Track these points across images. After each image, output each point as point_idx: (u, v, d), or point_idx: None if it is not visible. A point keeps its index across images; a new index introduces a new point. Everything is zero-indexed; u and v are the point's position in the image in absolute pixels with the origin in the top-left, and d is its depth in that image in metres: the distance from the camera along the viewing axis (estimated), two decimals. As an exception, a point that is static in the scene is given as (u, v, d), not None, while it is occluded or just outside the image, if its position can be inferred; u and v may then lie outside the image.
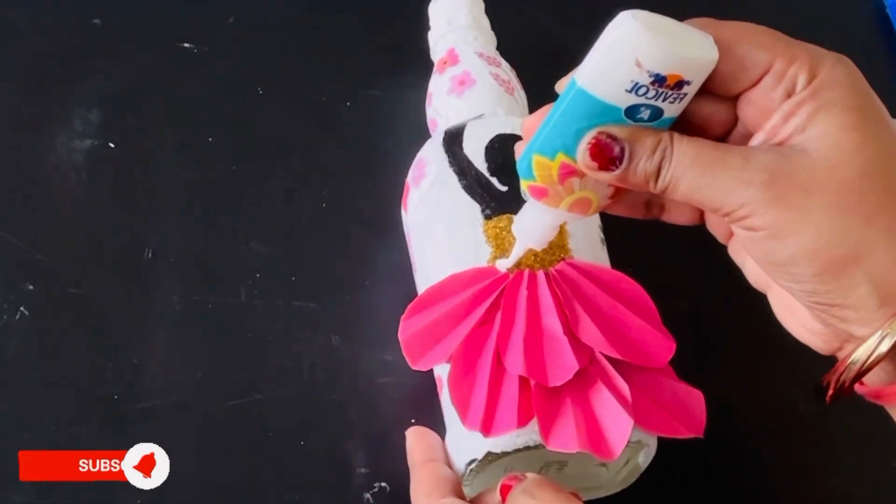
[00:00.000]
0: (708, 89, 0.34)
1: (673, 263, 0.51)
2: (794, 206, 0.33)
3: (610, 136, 0.34)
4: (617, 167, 0.34)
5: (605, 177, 0.34)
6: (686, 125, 0.35)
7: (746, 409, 0.48)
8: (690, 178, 0.34)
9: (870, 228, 0.32)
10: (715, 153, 0.34)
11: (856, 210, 0.32)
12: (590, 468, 0.42)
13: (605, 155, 0.34)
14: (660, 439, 0.41)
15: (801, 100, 0.33)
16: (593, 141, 0.34)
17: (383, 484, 0.45)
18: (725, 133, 0.36)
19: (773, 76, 0.34)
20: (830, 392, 0.35)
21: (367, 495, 0.45)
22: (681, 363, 0.42)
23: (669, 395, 0.41)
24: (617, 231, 0.46)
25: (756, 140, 0.34)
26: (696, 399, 0.41)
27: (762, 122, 0.34)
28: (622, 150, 0.34)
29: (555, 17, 0.60)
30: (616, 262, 0.45)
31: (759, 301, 0.46)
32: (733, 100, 0.35)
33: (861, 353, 0.33)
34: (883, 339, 0.33)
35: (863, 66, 0.61)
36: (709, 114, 0.36)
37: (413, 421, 0.46)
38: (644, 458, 0.42)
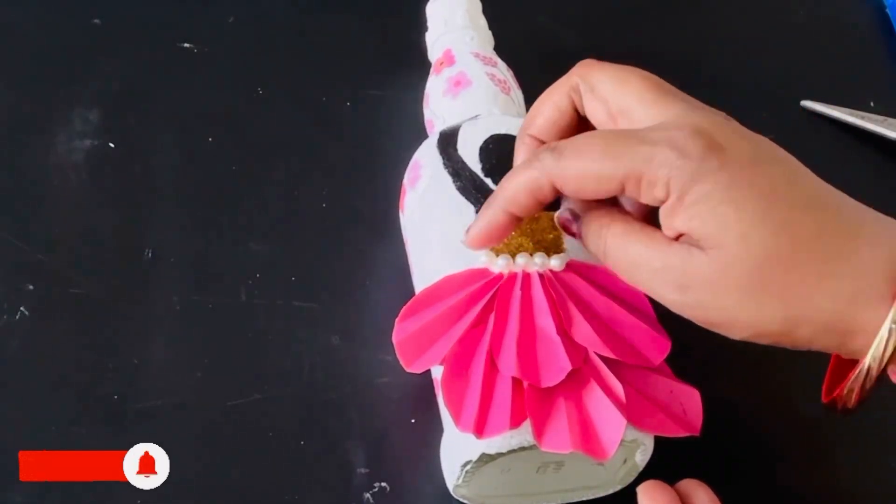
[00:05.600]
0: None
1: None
2: (713, 307, 0.34)
3: (572, 212, 0.38)
4: (578, 239, 0.38)
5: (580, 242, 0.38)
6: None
7: (745, 408, 0.48)
8: (622, 270, 0.36)
9: (790, 305, 0.33)
10: (639, 251, 0.35)
11: (766, 298, 0.33)
12: (587, 467, 0.42)
13: (567, 230, 0.39)
14: (658, 438, 0.41)
15: (671, 208, 0.34)
16: (560, 218, 0.39)
17: (383, 484, 0.45)
18: None
19: (633, 194, 0.35)
20: (855, 400, 0.35)
21: (367, 495, 0.45)
22: (679, 362, 0.42)
23: (665, 393, 0.41)
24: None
25: (665, 234, 0.35)
26: (692, 397, 0.41)
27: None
28: (579, 228, 0.38)
29: (552, 17, 0.61)
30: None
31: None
32: None
33: (874, 355, 0.33)
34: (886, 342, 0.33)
35: (863, 66, 0.61)
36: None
37: (413, 421, 0.46)
38: (641, 457, 0.41)
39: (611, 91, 0.37)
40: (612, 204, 0.38)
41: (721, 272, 0.33)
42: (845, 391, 0.35)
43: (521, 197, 0.37)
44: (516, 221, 0.38)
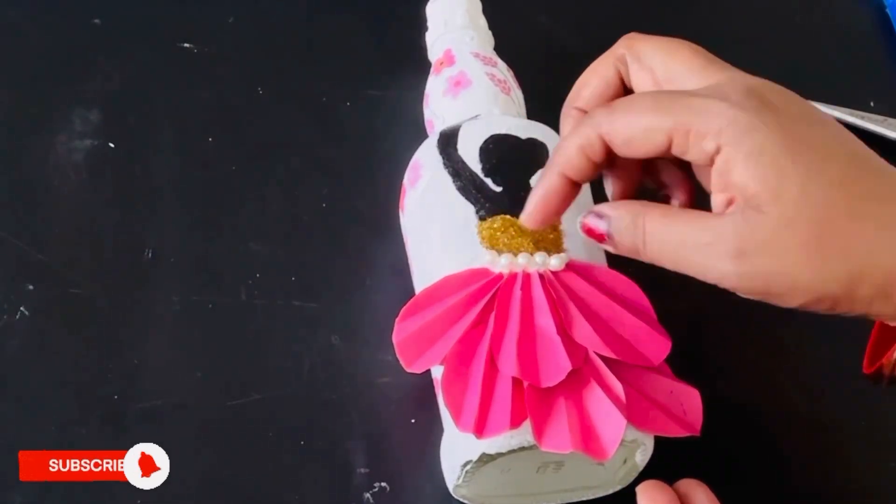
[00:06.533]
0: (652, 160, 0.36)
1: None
2: (773, 272, 0.33)
3: (598, 214, 0.37)
4: (606, 242, 0.37)
5: (607, 247, 0.37)
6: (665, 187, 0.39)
7: (745, 408, 0.48)
8: (668, 254, 0.35)
9: (852, 259, 0.32)
10: (684, 230, 0.34)
11: (830, 253, 0.32)
12: (587, 467, 0.42)
13: (594, 234, 0.37)
14: (658, 438, 0.41)
15: (726, 163, 0.33)
16: (584, 221, 0.37)
17: (383, 484, 0.45)
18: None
19: (680, 149, 0.34)
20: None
21: (367, 495, 0.45)
22: (680, 363, 0.42)
23: (665, 393, 0.41)
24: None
25: (715, 201, 0.34)
26: (692, 397, 0.41)
27: (708, 181, 0.35)
28: (608, 229, 0.36)
29: (552, 17, 0.61)
30: (613, 260, 0.45)
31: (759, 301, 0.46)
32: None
33: None
34: None
35: (863, 66, 0.61)
36: (673, 181, 0.39)
37: (413, 421, 0.46)
38: (641, 457, 0.42)
39: (658, 61, 0.37)
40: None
41: (783, 230, 0.32)
42: (894, 359, 0.35)
43: (574, 156, 0.36)
44: (572, 188, 0.38)
